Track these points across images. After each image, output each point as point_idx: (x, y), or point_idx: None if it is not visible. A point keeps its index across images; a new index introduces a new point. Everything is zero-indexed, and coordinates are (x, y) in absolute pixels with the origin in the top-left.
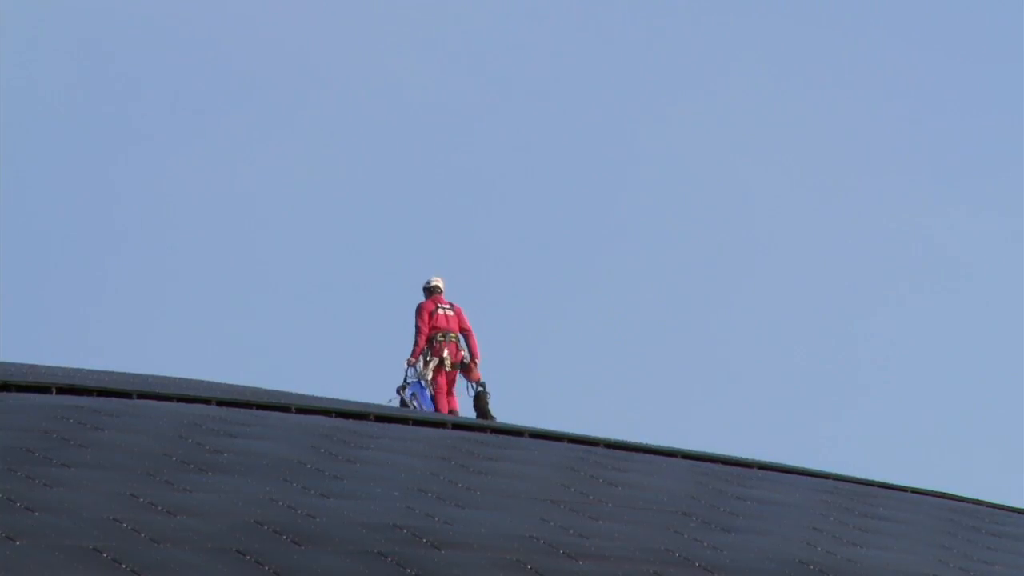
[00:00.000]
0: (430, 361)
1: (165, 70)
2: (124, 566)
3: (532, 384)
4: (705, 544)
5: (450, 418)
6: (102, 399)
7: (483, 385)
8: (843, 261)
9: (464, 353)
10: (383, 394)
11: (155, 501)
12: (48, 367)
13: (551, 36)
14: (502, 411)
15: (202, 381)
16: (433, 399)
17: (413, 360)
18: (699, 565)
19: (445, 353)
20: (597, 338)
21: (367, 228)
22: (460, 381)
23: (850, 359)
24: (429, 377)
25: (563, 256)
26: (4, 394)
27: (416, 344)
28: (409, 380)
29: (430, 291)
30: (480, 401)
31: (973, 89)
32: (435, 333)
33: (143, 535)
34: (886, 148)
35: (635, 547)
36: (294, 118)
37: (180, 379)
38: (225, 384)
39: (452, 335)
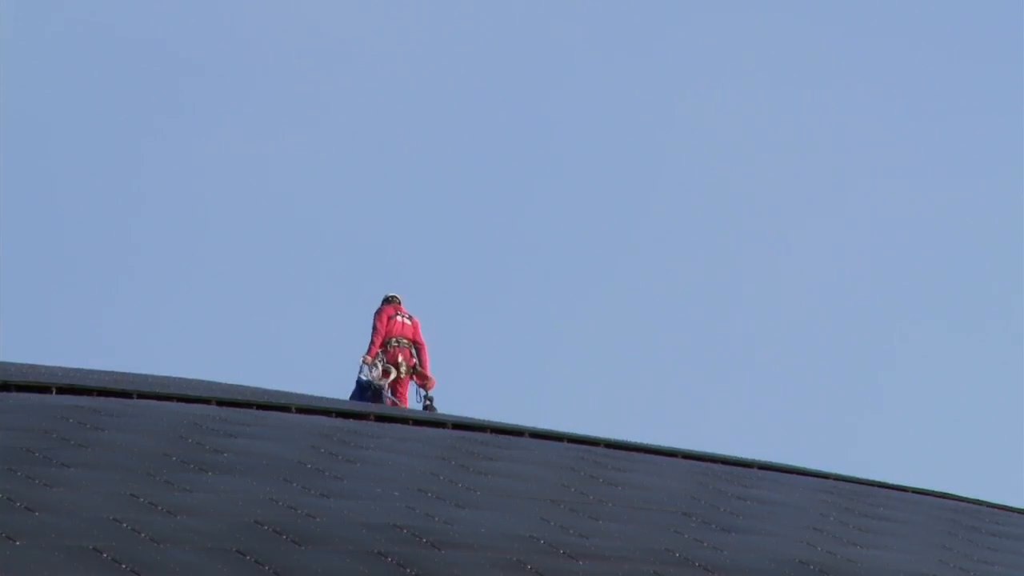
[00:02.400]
0: (385, 367)
1: (150, 68)
2: (124, 566)
3: (532, 384)
4: (705, 544)
5: (450, 418)
6: (102, 399)
7: (431, 399)
8: (843, 262)
9: (415, 361)
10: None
11: (155, 501)
12: (48, 367)
13: (552, 34)
14: (502, 411)
15: (202, 381)
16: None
17: (369, 359)
18: (699, 565)
19: (400, 359)
20: (597, 338)
21: (369, 227)
22: (411, 388)
23: (850, 359)
24: (383, 383)
25: (564, 256)
26: (4, 394)
27: (372, 343)
28: (364, 376)
29: (390, 300)
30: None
31: (1005, 90)
32: (390, 338)
33: (143, 535)
34: (899, 149)
35: (635, 547)
36: (293, 115)
37: (180, 379)
38: (225, 384)
39: (405, 341)
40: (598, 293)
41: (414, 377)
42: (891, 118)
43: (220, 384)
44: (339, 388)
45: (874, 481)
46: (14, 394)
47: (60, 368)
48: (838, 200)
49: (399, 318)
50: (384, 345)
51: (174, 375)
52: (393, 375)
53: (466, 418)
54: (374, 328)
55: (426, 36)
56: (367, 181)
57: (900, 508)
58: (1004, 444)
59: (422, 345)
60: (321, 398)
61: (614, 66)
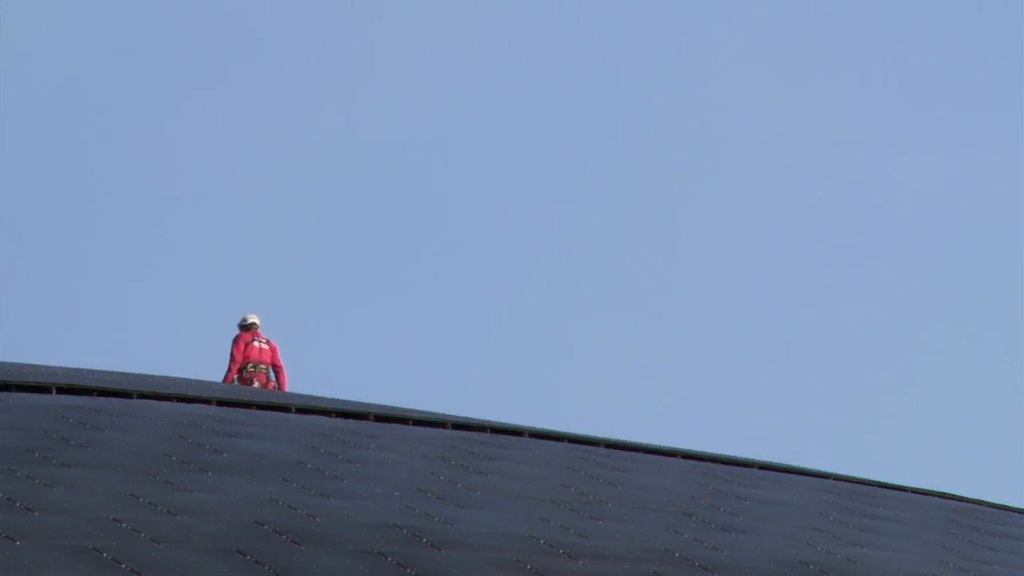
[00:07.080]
0: None
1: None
2: (124, 566)
3: (533, 384)
4: (705, 544)
5: (450, 418)
6: (102, 399)
7: None
8: (841, 262)
9: (274, 384)
10: (383, 394)
11: (155, 501)
12: (48, 367)
13: (543, 33)
14: (502, 411)
15: (202, 381)
16: None
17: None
18: (699, 565)
19: (256, 384)
20: (598, 338)
21: (368, 227)
22: None
23: (850, 360)
24: None
25: (565, 257)
26: (4, 394)
27: (228, 371)
28: None
29: (246, 327)
30: None
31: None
32: (247, 364)
33: (143, 535)
34: (900, 150)
35: (635, 547)
36: (291, 116)
37: (180, 379)
38: (225, 384)
39: (263, 367)
40: (599, 293)
41: None
42: (906, 120)
43: (220, 384)
44: (375, 393)
45: (874, 481)
46: (14, 394)
47: (60, 368)
48: (836, 200)
49: (256, 344)
50: (241, 371)
51: (174, 375)
52: None
53: (466, 418)
54: (232, 357)
55: (439, 37)
56: (369, 181)
57: (900, 508)
58: (1004, 444)
59: (281, 368)
60: (321, 398)
61: (618, 66)
